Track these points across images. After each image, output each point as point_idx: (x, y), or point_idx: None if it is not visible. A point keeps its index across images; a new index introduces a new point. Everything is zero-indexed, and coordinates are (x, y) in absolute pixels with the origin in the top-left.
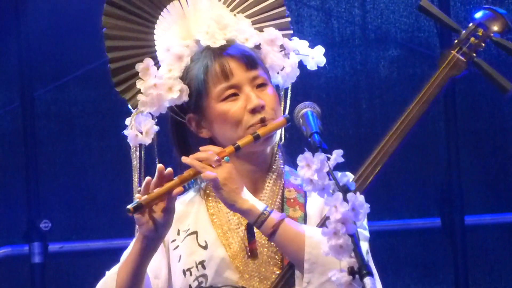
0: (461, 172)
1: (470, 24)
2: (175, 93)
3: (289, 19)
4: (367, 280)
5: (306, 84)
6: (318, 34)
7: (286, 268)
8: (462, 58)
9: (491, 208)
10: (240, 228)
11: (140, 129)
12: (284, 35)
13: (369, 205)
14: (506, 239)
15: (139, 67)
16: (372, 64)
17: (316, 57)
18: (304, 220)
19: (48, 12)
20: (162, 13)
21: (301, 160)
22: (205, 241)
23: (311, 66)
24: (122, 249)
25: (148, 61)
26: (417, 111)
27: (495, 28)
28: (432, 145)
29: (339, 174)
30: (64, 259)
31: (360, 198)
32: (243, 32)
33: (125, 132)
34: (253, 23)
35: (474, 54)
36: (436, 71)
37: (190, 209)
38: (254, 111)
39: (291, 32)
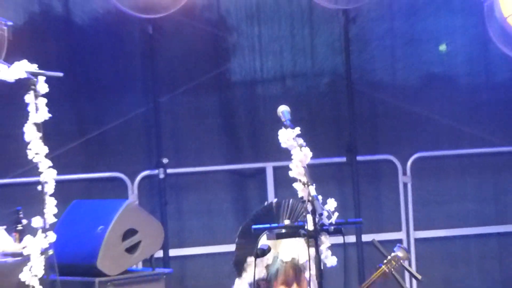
0: (357, 126)
1: (393, 255)
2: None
3: None
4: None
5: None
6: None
7: None
8: (387, 271)
9: (377, 150)
10: None
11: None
12: None
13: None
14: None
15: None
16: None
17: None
18: None
19: (174, 40)
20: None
21: (281, 132)
22: None
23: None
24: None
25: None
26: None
27: (403, 257)
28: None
29: (300, 140)
30: (176, 178)
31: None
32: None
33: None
34: None
35: (393, 269)
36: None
37: None
38: None
39: None
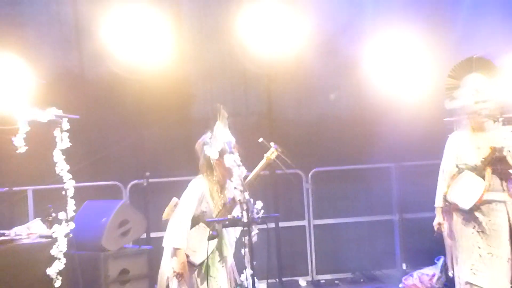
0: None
1: (273, 148)
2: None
3: None
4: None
5: None
6: None
7: None
8: (274, 158)
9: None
10: None
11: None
12: None
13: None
14: None
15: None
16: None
17: None
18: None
19: (154, 92)
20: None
21: (226, 157)
22: None
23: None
24: None
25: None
26: (257, 177)
27: (281, 151)
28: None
29: (238, 161)
30: (155, 185)
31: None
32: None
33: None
34: None
35: (276, 154)
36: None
37: None
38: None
39: None
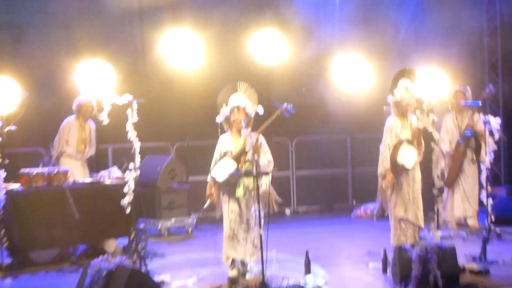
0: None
1: (281, 108)
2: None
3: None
4: None
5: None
6: None
7: None
8: (284, 109)
9: (279, 135)
10: None
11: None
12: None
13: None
14: None
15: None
16: None
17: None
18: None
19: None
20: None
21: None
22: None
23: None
24: None
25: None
26: (266, 128)
27: (287, 105)
28: None
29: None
30: (193, 146)
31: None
32: (247, 104)
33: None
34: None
35: (285, 108)
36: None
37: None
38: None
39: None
